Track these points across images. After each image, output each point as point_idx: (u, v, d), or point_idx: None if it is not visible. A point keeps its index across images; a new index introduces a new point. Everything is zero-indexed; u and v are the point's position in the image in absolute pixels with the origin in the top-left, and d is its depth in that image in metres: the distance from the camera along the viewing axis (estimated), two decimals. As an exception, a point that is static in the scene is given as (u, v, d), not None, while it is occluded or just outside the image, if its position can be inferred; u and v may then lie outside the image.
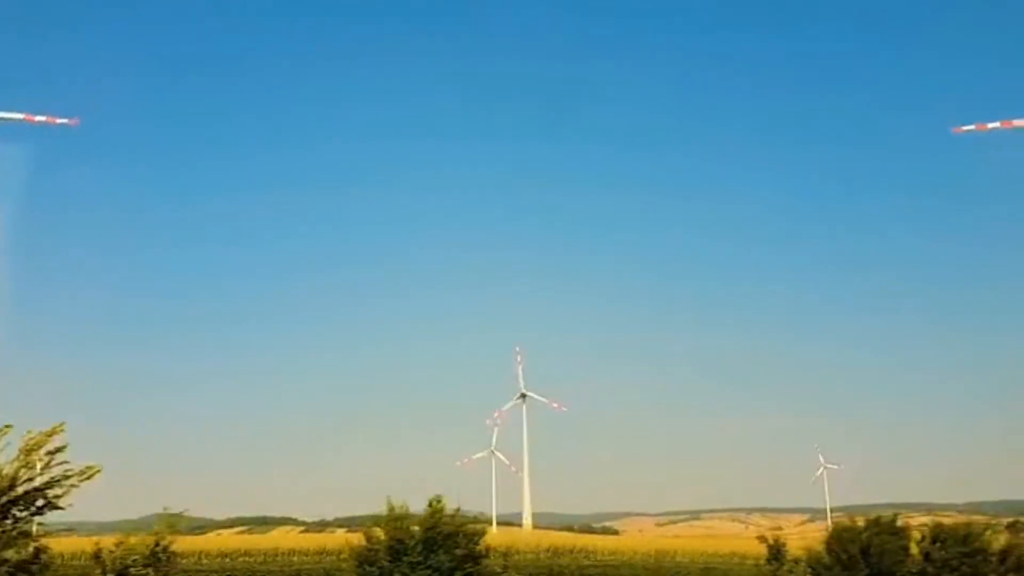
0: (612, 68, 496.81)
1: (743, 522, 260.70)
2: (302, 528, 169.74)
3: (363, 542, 33.06)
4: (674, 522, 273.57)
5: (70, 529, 35.86)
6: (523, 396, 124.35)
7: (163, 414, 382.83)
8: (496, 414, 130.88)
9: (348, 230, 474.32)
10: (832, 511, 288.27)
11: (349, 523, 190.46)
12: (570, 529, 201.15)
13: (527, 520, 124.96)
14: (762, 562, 46.63)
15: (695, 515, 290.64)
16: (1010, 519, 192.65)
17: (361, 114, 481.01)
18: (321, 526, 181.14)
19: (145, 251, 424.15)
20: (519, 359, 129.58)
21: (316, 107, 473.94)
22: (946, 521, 48.06)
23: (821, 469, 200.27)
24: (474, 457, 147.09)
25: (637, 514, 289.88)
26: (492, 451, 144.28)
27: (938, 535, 40.84)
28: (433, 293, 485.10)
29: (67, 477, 20.41)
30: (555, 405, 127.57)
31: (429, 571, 31.27)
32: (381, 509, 33.43)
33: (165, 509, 34.47)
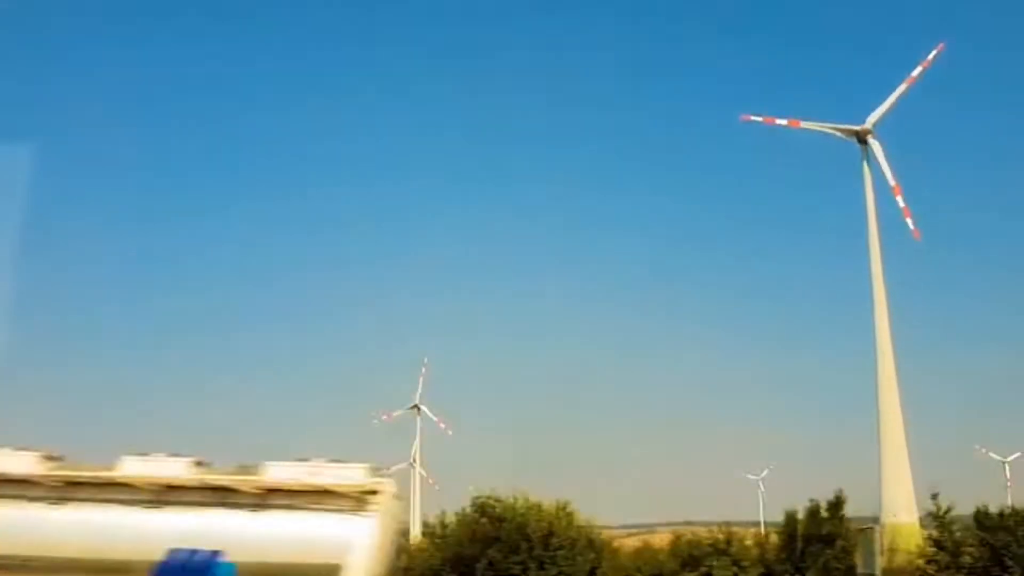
0: (611, 74, 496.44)
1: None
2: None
3: None
4: (629, 535, 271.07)
5: None
6: (416, 407, 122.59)
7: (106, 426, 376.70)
8: (384, 416, 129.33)
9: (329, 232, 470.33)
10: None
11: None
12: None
13: (415, 534, 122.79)
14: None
15: (650, 528, 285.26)
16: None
17: (359, 115, 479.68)
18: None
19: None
20: (424, 370, 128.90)
21: (314, 110, 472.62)
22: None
23: (757, 480, 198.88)
24: (394, 469, 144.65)
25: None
26: (412, 463, 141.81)
27: None
28: (402, 298, 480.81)
29: None
30: (442, 426, 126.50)
31: None
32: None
33: None
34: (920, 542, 55.99)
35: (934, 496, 44.67)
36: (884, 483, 57.54)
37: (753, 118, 65.92)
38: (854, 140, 64.98)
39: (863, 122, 65.38)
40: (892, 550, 60.39)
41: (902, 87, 65.33)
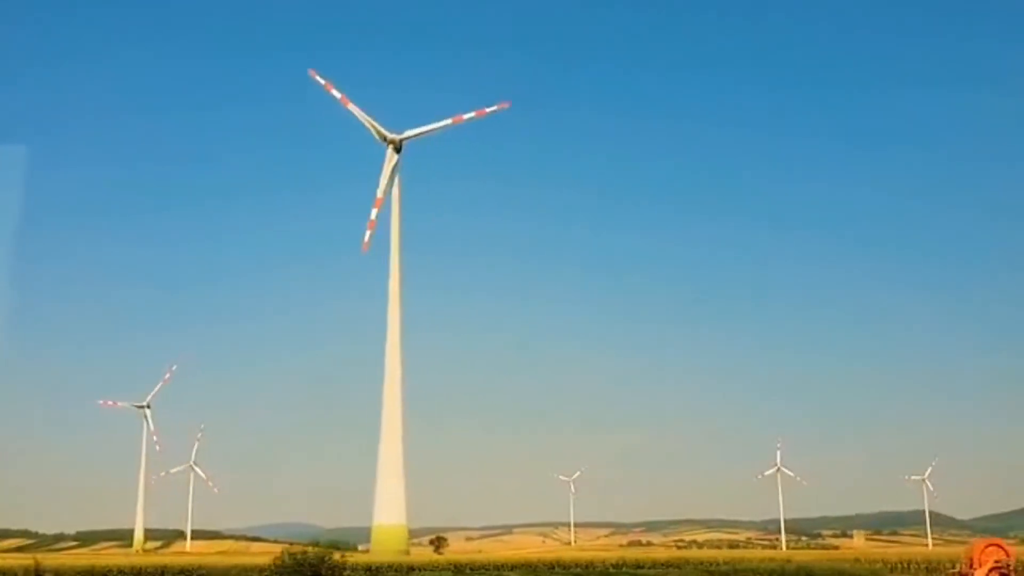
0: (606, 69, 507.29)
1: (546, 535, 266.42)
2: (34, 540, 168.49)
3: None
4: (486, 536, 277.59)
5: None
6: (146, 407, 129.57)
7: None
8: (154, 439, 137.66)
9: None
10: (632, 526, 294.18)
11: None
12: (335, 547, 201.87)
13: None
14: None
15: (508, 529, 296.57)
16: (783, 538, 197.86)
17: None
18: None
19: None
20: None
21: (305, 109, 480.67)
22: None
23: (569, 482, 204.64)
24: (172, 471, 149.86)
25: (458, 528, 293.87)
26: (191, 465, 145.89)
27: None
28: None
29: None
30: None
31: None
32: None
33: None
34: (406, 543, 61.75)
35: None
36: (378, 489, 62.99)
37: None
38: (386, 145, 73.23)
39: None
40: (378, 548, 66.04)
41: (448, 122, 72.38)
